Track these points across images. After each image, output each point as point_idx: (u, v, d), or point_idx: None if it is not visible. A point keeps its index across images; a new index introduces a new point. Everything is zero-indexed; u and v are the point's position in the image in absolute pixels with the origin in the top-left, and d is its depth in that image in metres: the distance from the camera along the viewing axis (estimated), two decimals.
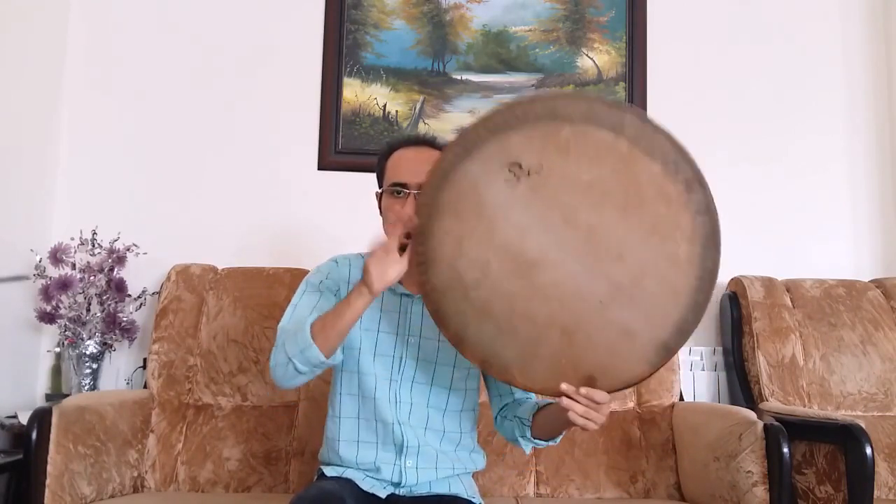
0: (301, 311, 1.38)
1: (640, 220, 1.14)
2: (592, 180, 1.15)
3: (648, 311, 1.15)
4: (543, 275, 1.17)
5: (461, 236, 1.19)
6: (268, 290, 2.06)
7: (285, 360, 1.27)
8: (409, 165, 1.38)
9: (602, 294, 1.15)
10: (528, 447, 1.43)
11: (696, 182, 1.13)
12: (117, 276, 2.13)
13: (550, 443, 1.41)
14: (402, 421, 1.39)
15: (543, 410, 1.37)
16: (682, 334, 1.16)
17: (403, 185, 1.36)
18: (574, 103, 1.16)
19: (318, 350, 1.24)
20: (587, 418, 1.18)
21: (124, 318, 2.13)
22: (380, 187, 1.46)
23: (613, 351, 1.17)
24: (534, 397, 1.44)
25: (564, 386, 1.18)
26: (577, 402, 1.17)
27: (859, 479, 1.59)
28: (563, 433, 1.40)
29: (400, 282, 1.42)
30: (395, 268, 1.23)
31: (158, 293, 2.09)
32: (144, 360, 2.08)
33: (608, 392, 1.18)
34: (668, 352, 1.17)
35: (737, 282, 2.23)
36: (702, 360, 2.27)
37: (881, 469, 1.86)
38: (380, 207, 1.45)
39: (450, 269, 1.20)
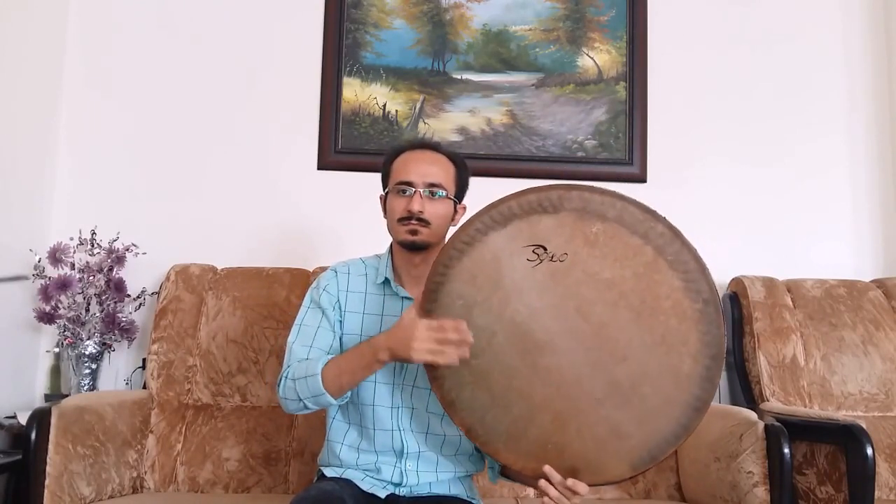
0: (307, 332, 1.42)
1: (650, 327, 1.16)
2: (613, 279, 1.17)
3: (641, 417, 1.17)
4: (547, 358, 1.19)
5: (473, 303, 1.20)
6: (267, 290, 2.05)
7: (296, 398, 1.33)
8: (415, 166, 1.41)
9: (600, 390, 1.18)
10: (494, 479, 1.46)
11: (712, 304, 1.15)
12: (116, 276, 2.13)
13: (517, 482, 1.50)
14: (402, 427, 1.39)
15: None
16: (668, 445, 1.18)
17: (409, 184, 1.39)
18: (610, 202, 1.17)
19: (330, 397, 1.30)
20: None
21: (123, 319, 2.12)
22: (384, 189, 1.48)
23: (601, 447, 1.19)
24: None
25: (548, 469, 1.21)
26: (555, 488, 1.20)
27: (860, 480, 1.58)
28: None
29: (401, 285, 1.43)
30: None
31: (158, 293, 2.09)
32: (144, 360, 2.07)
33: (588, 486, 1.20)
34: (652, 459, 1.19)
35: (738, 282, 2.22)
36: None
37: (882, 469, 1.86)
38: (384, 209, 1.47)
39: None
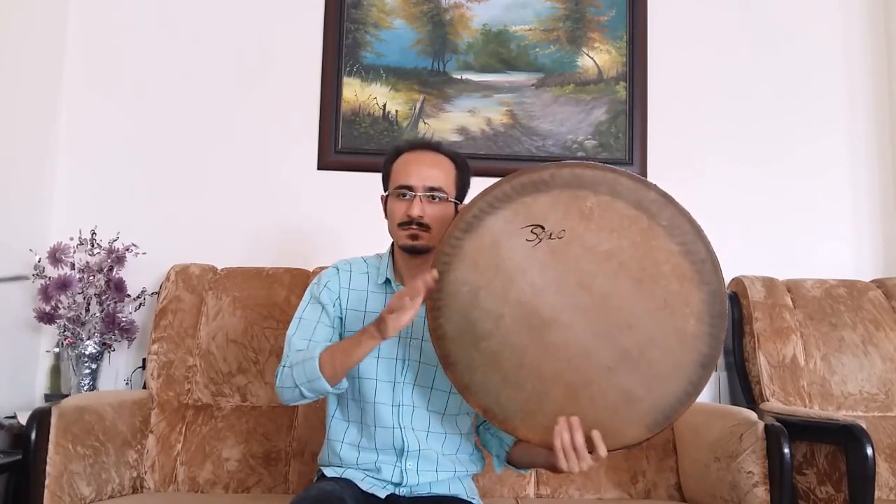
0: (306, 325, 1.42)
1: (652, 293, 1.18)
2: (611, 250, 1.19)
3: (652, 381, 1.19)
4: (554, 334, 1.20)
5: (478, 288, 1.22)
6: (267, 290, 2.05)
7: (292, 385, 1.32)
8: (415, 169, 1.40)
9: (609, 359, 1.19)
10: (500, 468, 1.47)
11: (709, 262, 1.17)
12: (116, 276, 2.13)
13: (522, 471, 1.49)
14: (403, 425, 1.39)
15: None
16: (680, 405, 1.20)
17: (409, 188, 1.38)
18: (601, 174, 1.19)
19: (325, 382, 1.29)
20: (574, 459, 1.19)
21: (123, 319, 2.12)
22: (385, 189, 1.47)
23: (615, 413, 1.21)
24: None
25: (574, 420, 1.19)
26: (572, 438, 1.18)
27: (860, 480, 1.58)
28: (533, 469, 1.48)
29: (402, 284, 1.43)
30: (408, 313, 1.22)
31: (158, 293, 2.09)
32: (144, 360, 2.08)
33: (607, 450, 1.21)
34: (666, 419, 1.21)
35: (738, 282, 2.22)
36: None
37: (882, 469, 1.86)
38: (385, 210, 1.46)
39: (463, 318, 1.23)
